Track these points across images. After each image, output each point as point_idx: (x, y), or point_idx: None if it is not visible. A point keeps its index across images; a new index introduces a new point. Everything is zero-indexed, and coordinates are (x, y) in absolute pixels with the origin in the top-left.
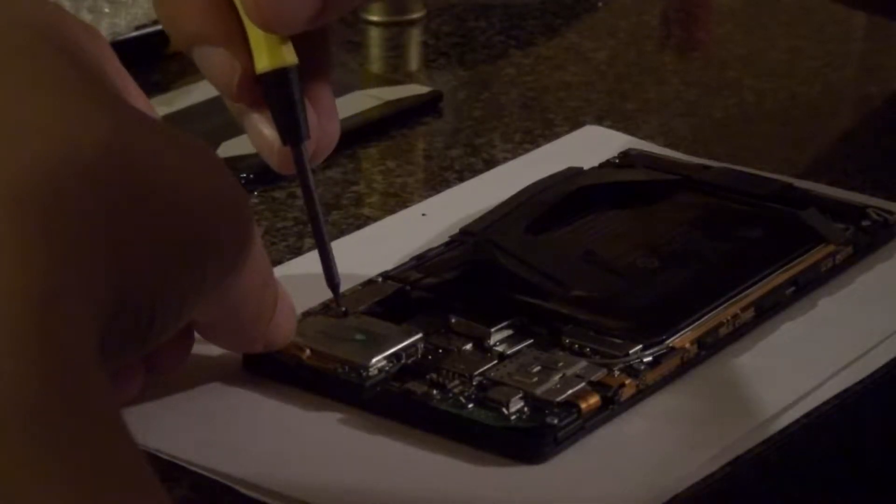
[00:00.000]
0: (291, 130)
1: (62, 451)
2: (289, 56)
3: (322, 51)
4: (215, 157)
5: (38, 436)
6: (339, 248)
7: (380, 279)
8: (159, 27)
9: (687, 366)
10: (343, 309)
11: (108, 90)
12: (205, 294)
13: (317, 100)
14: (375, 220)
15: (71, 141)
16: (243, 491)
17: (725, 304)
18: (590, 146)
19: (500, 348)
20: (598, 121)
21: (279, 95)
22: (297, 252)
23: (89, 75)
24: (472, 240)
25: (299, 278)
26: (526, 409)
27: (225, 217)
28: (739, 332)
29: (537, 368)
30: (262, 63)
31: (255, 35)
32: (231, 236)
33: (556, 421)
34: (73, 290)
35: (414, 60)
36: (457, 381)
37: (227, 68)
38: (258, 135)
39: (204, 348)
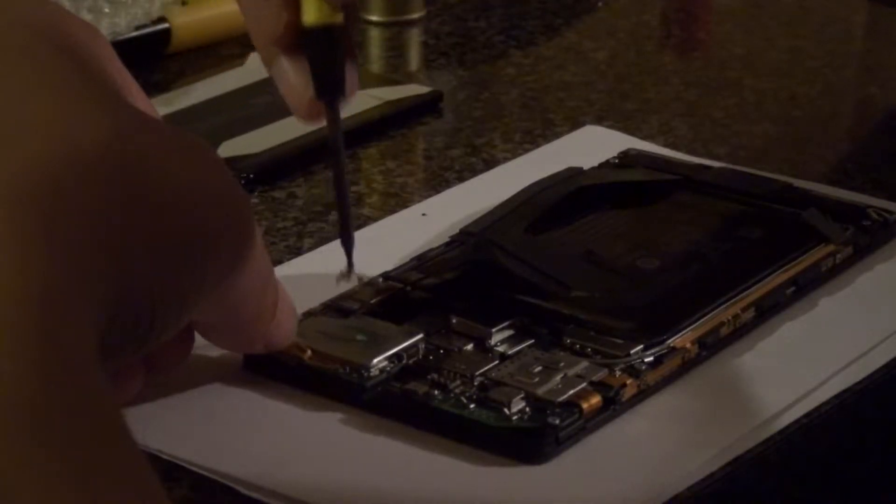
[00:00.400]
0: (332, 87)
1: (62, 451)
2: (337, 14)
3: (352, 9)
4: (215, 157)
5: (38, 436)
6: (338, 248)
7: (380, 279)
8: (159, 27)
9: (688, 366)
10: (351, 270)
11: (108, 90)
12: (205, 294)
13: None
14: (375, 220)
15: (71, 141)
16: (243, 491)
17: (726, 304)
18: (590, 146)
19: (501, 348)
20: (598, 121)
21: (323, 51)
22: (297, 252)
23: (89, 75)
24: (472, 240)
25: (299, 278)
26: (527, 409)
27: (225, 216)
28: (740, 332)
29: (538, 369)
30: (311, 17)
31: None
32: (231, 236)
33: (557, 421)
34: (73, 290)
35: (414, 60)
36: (458, 382)
37: (273, 16)
38: (286, 82)
39: (204, 348)
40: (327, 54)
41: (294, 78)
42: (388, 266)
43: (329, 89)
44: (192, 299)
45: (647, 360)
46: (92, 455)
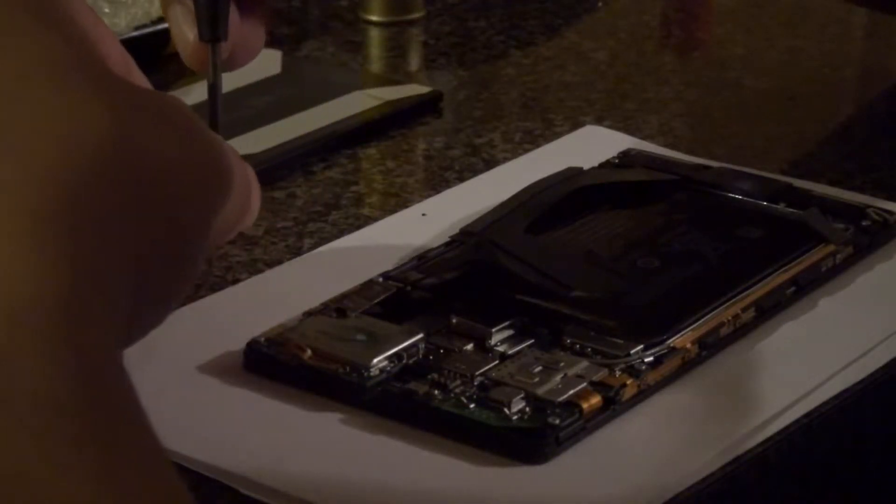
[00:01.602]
0: (210, 30)
1: (87, 448)
2: None
3: None
4: (189, 115)
5: (65, 434)
6: (339, 247)
7: (380, 279)
8: (159, 27)
9: (688, 366)
10: None
11: (95, 62)
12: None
13: (249, 9)
14: (375, 220)
15: (77, 143)
16: (243, 491)
17: (726, 304)
18: (590, 146)
19: (501, 348)
20: (598, 121)
21: None
22: (297, 252)
23: (75, 47)
24: (472, 240)
25: (299, 278)
26: (527, 409)
27: (213, 178)
28: (740, 332)
29: (538, 368)
30: None
31: None
32: (218, 194)
33: (557, 421)
34: (94, 293)
35: (414, 60)
36: (458, 382)
37: None
38: (178, 28)
39: (204, 348)
40: None
41: (183, 22)
42: (388, 266)
43: (207, 32)
44: (200, 263)
45: (647, 360)
46: (116, 452)
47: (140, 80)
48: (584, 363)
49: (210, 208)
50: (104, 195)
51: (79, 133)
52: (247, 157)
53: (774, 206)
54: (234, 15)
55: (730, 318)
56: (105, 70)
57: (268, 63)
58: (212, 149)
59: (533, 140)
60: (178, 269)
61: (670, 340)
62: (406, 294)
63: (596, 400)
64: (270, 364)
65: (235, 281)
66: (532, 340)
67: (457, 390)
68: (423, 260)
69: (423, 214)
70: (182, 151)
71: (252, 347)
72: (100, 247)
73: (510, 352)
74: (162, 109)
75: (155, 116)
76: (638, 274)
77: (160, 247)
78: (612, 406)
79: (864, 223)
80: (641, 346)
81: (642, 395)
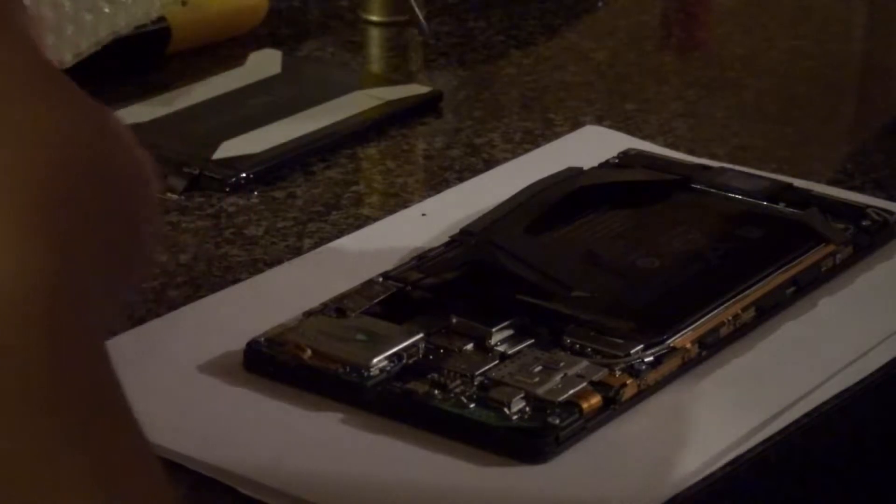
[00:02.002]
0: None
1: (76, 439)
2: None
3: None
4: (121, 121)
5: (53, 428)
6: (339, 248)
7: (380, 279)
8: (159, 27)
9: (688, 365)
10: None
11: (50, 68)
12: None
13: None
14: (375, 220)
15: (55, 143)
16: (243, 491)
17: (726, 304)
18: (590, 146)
19: (501, 348)
20: (598, 121)
21: None
22: (297, 252)
23: (32, 55)
24: (472, 240)
25: (299, 278)
26: (527, 409)
27: (150, 178)
28: (740, 332)
29: (538, 368)
30: None
31: None
32: (153, 194)
33: (557, 421)
34: (79, 285)
35: (414, 60)
36: (458, 381)
37: None
38: None
39: (204, 348)
40: None
41: None
42: (388, 266)
43: None
44: (147, 261)
45: (647, 360)
46: (106, 444)
47: None
48: (584, 363)
49: (152, 207)
50: (81, 190)
51: (55, 134)
52: (247, 157)
53: (774, 206)
54: None
55: (730, 318)
56: (59, 74)
57: (268, 63)
58: (142, 152)
59: (533, 140)
60: (134, 264)
61: (670, 340)
62: (406, 294)
63: (596, 400)
64: (270, 364)
65: (235, 281)
66: (532, 340)
67: (457, 390)
68: (423, 260)
69: (423, 214)
70: (129, 153)
71: (252, 347)
72: (82, 241)
73: (510, 352)
74: (105, 115)
75: (105, 120)
76: (638, 274)
77: (122, 240)
78: (612, 406)
79: (864, 223)
80: (641, 346)
81: (642, 395)
